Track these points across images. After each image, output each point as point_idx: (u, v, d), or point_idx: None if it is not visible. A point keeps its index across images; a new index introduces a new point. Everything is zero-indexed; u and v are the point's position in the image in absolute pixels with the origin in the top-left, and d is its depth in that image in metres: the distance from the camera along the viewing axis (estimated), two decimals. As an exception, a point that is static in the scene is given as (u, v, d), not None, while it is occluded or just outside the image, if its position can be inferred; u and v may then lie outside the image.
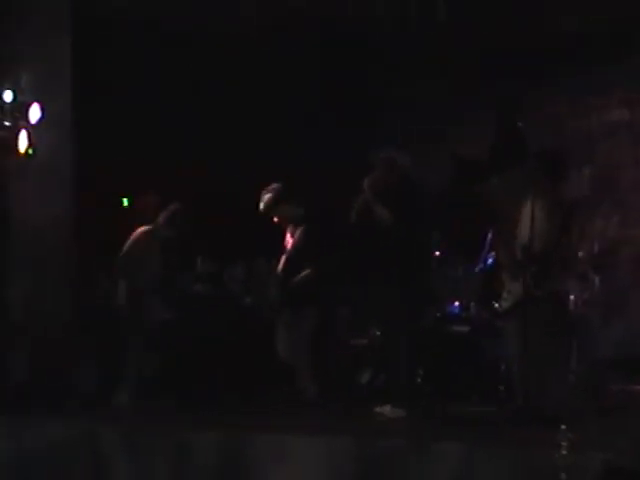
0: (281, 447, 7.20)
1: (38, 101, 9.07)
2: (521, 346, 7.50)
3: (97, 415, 8.52)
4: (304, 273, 8.90)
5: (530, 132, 10.53)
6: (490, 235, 9.40)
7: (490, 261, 9.36)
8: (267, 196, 9.07)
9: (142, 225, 9.30)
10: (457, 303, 9.53)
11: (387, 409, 8.11)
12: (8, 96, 8.92)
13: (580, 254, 8.01)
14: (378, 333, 9.13)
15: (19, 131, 8.98)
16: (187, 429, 7.75)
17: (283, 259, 9.13)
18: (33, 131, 9.03)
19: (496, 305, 8.01)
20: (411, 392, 8.28)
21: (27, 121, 8.99)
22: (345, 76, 11.59)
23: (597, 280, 8.51)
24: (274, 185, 9.12)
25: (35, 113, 9.00)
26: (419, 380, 8.72)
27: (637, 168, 10.66)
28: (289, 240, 9.19)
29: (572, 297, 8.04)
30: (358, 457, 6.95)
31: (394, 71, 11.29)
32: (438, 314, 9.50)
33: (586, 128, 10.96)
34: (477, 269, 9.47)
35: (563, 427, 5.97)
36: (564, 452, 5.94)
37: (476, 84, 11.00)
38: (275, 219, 9.16)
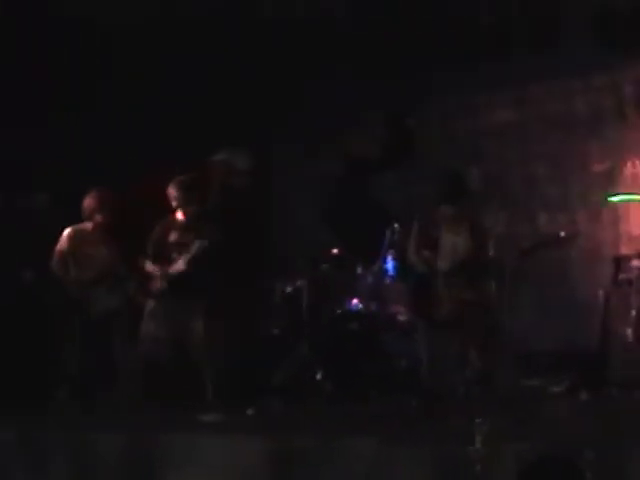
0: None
1: None
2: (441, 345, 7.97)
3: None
4: None
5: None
6: (388, 234, 9.44)
7: (389, 259, 9.41)
8: None
9: None
10: (355, 301, 9.52)
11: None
12: None
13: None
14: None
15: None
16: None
17: None
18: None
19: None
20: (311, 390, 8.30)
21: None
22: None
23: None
24: None
25: None
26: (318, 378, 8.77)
27: (524, 166, 10.86)
28: None
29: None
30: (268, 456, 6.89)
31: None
32: (338, 311, 9.50)
33: (474, 127, 11.08)
34: (376, 267, 9.50)
35: (478, 420, 6.05)
36: (478, 445, 6.01)
37: (365, 83, 11.01)
38: None
